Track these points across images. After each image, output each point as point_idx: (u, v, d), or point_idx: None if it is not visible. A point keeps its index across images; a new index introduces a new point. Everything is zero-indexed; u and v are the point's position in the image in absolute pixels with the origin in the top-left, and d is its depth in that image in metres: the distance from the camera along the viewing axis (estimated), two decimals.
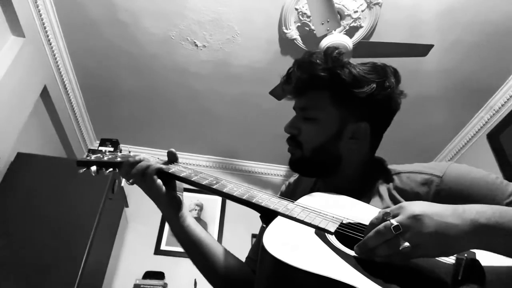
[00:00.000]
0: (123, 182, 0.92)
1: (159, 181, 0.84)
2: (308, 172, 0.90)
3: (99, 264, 2.21)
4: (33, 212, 1.95)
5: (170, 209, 0.88)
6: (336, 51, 0.84)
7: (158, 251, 2.93)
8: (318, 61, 0.82)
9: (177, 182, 0.89)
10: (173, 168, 0.85)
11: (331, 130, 0.82)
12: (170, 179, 0.86)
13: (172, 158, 0.90)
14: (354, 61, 0.86)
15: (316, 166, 0.85)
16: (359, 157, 0.86)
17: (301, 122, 0.85)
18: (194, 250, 0.90)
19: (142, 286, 2.58)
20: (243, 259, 0.99)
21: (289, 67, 0.89)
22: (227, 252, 0.93)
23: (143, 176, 0.84)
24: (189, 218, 0.90)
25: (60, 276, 1.79)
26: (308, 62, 0.83)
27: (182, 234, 0.89)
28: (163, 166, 0.86)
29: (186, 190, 0.91)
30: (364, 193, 0.83)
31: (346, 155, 0.84)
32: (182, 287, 2.67)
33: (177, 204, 0.88)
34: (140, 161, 0.86)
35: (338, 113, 0.82)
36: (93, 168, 0.89)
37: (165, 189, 0.85)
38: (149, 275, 2.68)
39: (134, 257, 2.85)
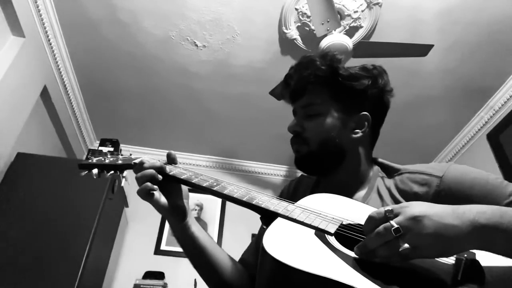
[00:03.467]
0: (123, 182, 0.92)
1: (156, 193, 0.80)
2: (315, 168, 0.89)
3: (99, 264, 2.21)
4: (33, 212, 1.95)
5: (173, 218, 0.85)
6: (331, 51, 0.90)
7: (158, 251, 2.93)
8: (317, 59, 0.87)
9: (183, 189, 0.87)
10: (174, 171, 0.84)
11: (334, 123, 0.85)
12: (171, 182, 0.83)
13: (171, 161, 0.88)
14: (354, 61, 0.88)
15: (322, 160, 0.86)
16: (362, 150, 0.89)
17: (304, 120, 0.87)
18: (198, 258, 0.89)
19: (142, 286, 2.58)
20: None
21: (286, 73, 0.92)
22: (230, 259, 0.92)
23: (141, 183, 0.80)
24: (193, 226, 0.88)
25: (60, 276, 1.79)
26: (308, 61, 0.87)
27: (186, 242, 0.88)
28: (166, 167, 0.84)
29: None
30: (363, 191, 0.84)
31: (350, 147, 0.86)
32: (182, 287, 2.67)
33: (182, 212, 0.86)
34: (140, 173, 0.81)
35: (340, 107, 0.86)
36: (95, 171, 0.88)
37: (167, 199, 0.82)
38: (149, 275, 2.68)
39: (134, 257, 2.85)
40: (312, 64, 0.86)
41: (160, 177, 0.80)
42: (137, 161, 0.84)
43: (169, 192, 0.83)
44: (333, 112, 0.85)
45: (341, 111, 0.85)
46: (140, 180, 0.79)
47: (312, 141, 0.85)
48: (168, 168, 0.85)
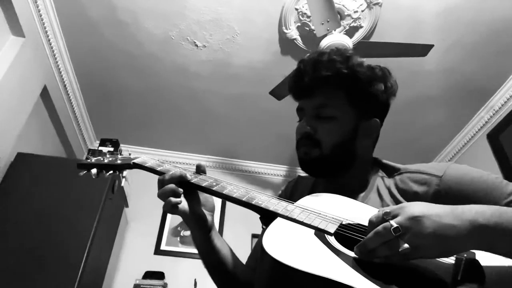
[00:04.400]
0: (123, 182, 0.91)
1: (180, 206, 0.77)
2: (324, 172, 0.87)
3: (99, 264, 2.22)
4: (33, 212, 1.96)
5: (197, 228, 0.83)
6: (347, 50, 0.86)
7: (158, 251, 2.93)
8: (339, 59, 0.83)
9: (210, 203, 0.85)
10: (172, 171, 0.84)
11: (348, 128, 0.84)
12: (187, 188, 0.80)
13: (198, 171, 0.85)
14: None
15: (333, 165, 0.85)
16: (368, 155, 0.89)
17: (316, 121, 0.85)
18: (217, 271, 0.89)
19: (142, 286, 2.58)
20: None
21: (296, 68, 0.87)
22: (248, 273, 0.91)
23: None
24: (216, 239, 0.86)
25: (60, 276, 1.79)
26: (329, 60, 0.83)
27: (208, 255, 0.87)
28: (187, 174, 0.81)
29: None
30: (363, 191, 0.84)
31: (360, 152, 0.86)
32: (182, 287, 2.67)
33: (203, 221, 0.82)
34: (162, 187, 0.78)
35: (353, 112, 0.84)
36: (94, 170, 0.88)
37: (189, 206, 0.79)
38: (149, 275, 2.68)
39: (134, 257, 2.85)
40: (333, 64, 0.82)
41: (181, 190, 0.77)
42: (161, 177, 0.79)
43: (188, 200, 0.81)
44: (347, 116, 0.83)
45: (354, 116, 0.84)
46: (162, 198, 0.76)
47: (325, 145, 0.83)
48: (165, 166, 0.85)
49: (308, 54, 0.88)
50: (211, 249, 0.86)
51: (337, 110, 0.83)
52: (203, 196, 0.84)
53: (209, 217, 0.84)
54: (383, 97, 0.85)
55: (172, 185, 0.76)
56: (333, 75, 0.82)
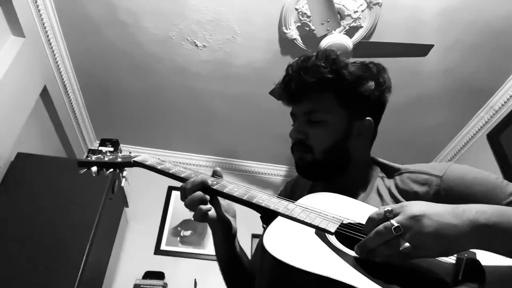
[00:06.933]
0: (123, 182, 0.92)
1: (210, 212, 0.77)
2: (320, 176, 0.87)
3: (99, 264, 2.21)
4: (33, 212, 1.95)
5: (222, 231, 0.83)
6: (334, 52, 0.85)
7: (158, 251, 2.93)
8: (323, 63, 0.82)
9: (231, 208, 0.85)
10: (173, 169, 0.84)
11: (340, 130, 0.83)
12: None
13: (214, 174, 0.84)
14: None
15: (328, 169, 0.85)
16: (364, 154, 0.88)
17: (307, 126, 0.84)
18: (238, 279, 0.89)
19: (142, 286, 2.58)
20: None
21: (285, 74, 0.87)
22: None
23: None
24: (238, 245, 0.87)
25: (60, 276, 1.79)
26: (313, 66, 0.82)
27: (231, 262, 0.87)
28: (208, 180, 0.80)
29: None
30: (363, 192, 0.84)
31: (354, 153, 0.85)
32: (182, 287, 2.67)
33: (227, 225, 0.83)
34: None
35: (345, 113, 0.83)
36: (94, 168, 0.89)
37: (216, 212, 0.79)
38: (149, 275, 2.68)
39: (134, 257, 2.85)
40: (317, 70, 0.81)
41: (207, 197, 0.76)
42: (183, 185, 0.78)
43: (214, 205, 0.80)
44: (337, 119, 0.83)
45: (345, 118, 0.83)
46: (191, 207, 0.75)
47: (317, 150, 0.83)
48: (165, 164, 0.85)
49: (296, 59, 0.87)
50: (235, 256, 0.86)
51: (327, 114, 0.83)
52: (225, 202, 0.84)
53: (233, 223, 0.84)
54: (375, 95, 0.84)
55: (199, 193, 0.75)
56: (318, 81, 0.81)
